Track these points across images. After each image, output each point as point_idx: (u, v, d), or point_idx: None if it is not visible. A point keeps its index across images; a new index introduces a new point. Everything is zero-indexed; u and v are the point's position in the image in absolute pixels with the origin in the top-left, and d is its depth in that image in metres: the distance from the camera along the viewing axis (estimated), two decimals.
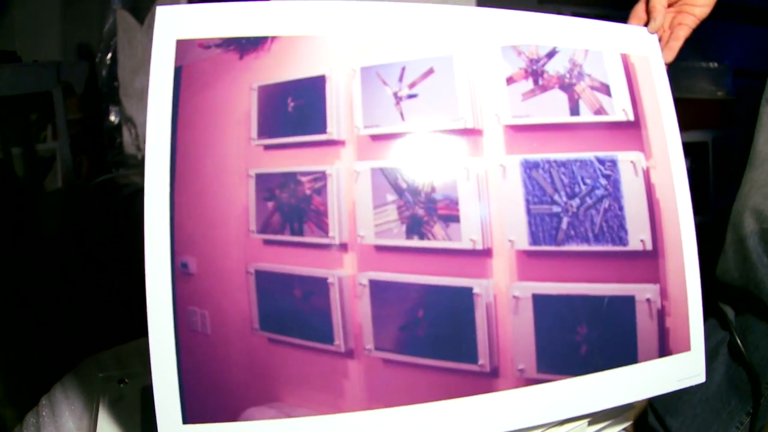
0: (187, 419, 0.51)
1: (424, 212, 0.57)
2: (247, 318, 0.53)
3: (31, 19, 1.51)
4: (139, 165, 1.32)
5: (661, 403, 0.89)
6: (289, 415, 0.53)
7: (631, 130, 0.64)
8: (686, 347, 0.65)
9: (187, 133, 0.54)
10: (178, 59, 0.54)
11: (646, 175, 0.64)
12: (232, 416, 0.52)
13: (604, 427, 0.66)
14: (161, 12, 0.55)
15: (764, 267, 0.77)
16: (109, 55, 1.32)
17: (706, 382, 0.73)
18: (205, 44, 0.55)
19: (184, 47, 0.55)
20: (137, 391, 0.61)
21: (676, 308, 0.64)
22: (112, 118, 1.35)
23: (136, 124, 1.32)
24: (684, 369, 0.65)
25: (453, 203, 0.57)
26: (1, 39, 1.48)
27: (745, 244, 0.78)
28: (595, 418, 0.64)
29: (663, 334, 0.63)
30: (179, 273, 0.52)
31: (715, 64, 1.49)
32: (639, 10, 0.68)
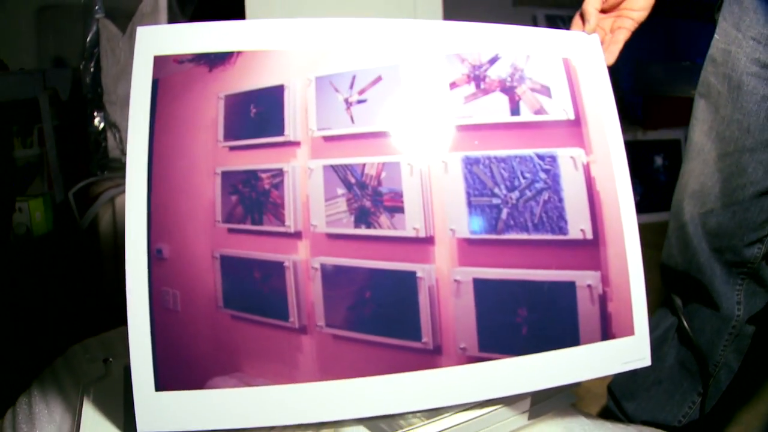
0: (159, 386, 0.59)
1: (371, 204, 0.63)
2: (212, 297, 0.61)
3: (16, 27, 1.61)
4: (122, 168, 1.40)
5: (618, 387, 0.92)
6: (249, 384, 0.60)
7: (572, 128, 0.69)
8: (630, 332, 0.68)
9: (163, 137, 0.62)
10: (155, 73, 0.63)
11: (587, 169, 0.68)
12: (199, 384, 0.59)
13: (545, 409, 0.70)
14: (141, 32, 0.63)
15: (704, 252, 0.80)
16: (93, 63, 1.42)
17: (658, 365, 0.76)
18: (179, 59, 0.63)
19: (160, 62, 0.63)
20: (120, 369, 0.69)
21: (619, 294, 0.68)
22: (97, 123, 1.45)
23: (119, 129, 1.40)
24: (628, 352, 0.69)
25: (398, 196, 0.64)
26: None
27: (685, 230, 0.81)
28: (536, 400, 0.68)
29: (605, 318, 0.67)
30: (154, 258, 0.60)
31: (688, 63, 1.51)
32: (577, 17, 0.73)
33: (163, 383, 0.59)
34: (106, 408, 0.63)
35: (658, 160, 1.75)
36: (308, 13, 1.24)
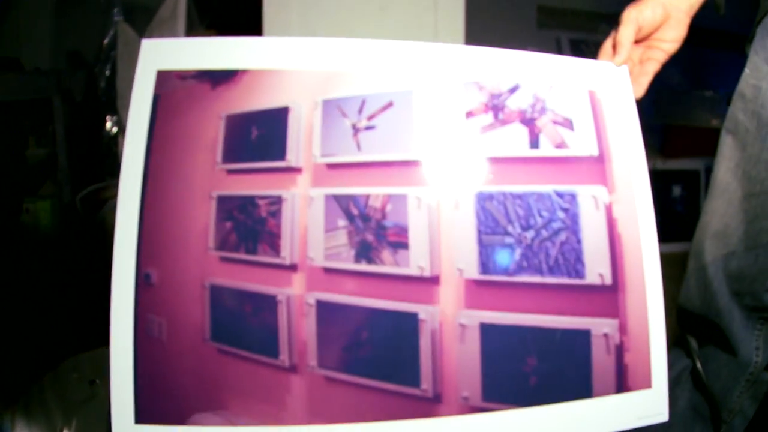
0: (139, 419, 0.55)
1: (374, 238, 0.59)
2: (199, 328, 0.57)
3: (34, 28, 1.60)
4: None
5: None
6: (233, 423, 0.56)
7: (595, 164, 0.64)
8: (647, 384, 0.63)
9: (160, 155, 0.59)
10: (156, 88, 0.60)
11: (608, 209, 0.64)
12: (181, 420, 0.56)
13: None
14: (146, 44, 0.61)
15: (723, 296, 0.76)
16: (109, 66, 1.40)
17: (669, 408, 0.71)
18: (182, 75, 0.60)
19: (163, 77, 0.60)
20: (106, 391, 0.66)
21: (637, 344, 0.63)
22: (109, 127, 1.43)
23: None
24: (644, 406, 0.64)
25: (403, 230, 0.60)
26: (5, 46, 1.58)
27: (705, 272, 0.77)
28: None
29: (621, 369, 0.63)
30: (142, 283, 0.57)
31: (711, 93, 1.47)
32: (608, 46, 0.68)
33: (143, 416, 0.56)
34: None
35: (677, 190, 1.70)
36: (325, 30, 1.20)
